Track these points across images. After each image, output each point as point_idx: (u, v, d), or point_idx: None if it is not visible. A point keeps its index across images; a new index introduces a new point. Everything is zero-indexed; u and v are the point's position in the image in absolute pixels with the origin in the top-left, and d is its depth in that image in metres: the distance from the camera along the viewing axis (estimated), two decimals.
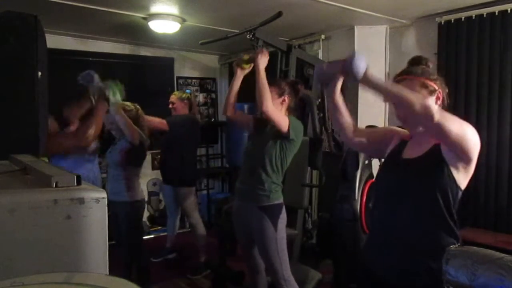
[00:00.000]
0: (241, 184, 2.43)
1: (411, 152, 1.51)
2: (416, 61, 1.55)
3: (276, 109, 2.28)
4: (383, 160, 1.67)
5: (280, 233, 2.34)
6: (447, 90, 1.53)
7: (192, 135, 3.72)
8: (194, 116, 3.83)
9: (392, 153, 1.59)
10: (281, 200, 2.38)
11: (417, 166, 1.45)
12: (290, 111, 2.43)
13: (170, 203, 4.00)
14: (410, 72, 1.52)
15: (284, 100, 2.37)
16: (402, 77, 1.52)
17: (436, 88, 1.47)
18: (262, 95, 2.20)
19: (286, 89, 2.39)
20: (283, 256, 2.36)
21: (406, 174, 1.47)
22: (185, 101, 3.70)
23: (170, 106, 3.71)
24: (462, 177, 1.40)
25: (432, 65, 1.55)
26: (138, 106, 2.98)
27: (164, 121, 3.54)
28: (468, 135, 1.33)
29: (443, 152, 1.38)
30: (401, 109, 1.48)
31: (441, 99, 1.49)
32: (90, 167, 3.09)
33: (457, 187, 1.40)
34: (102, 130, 2.49)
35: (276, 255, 2.32)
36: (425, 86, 1.47)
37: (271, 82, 2.36)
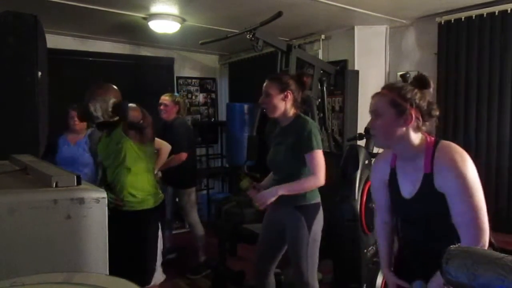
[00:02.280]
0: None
1: (406, 188, 1.49)
2: (416, 79, 1.47)
3: (318, 162, 2.16)
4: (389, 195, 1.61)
5: (313, 235, 2.24)
6: (435, 114, 1.44)
7: (186, 137, 3.71)
8: (183, 120, 3.84)
9: (392, 189, 1.56)
10: (318, 200, 2.28)
11: (419, 206, 1.45)
12: (297, 106, 2.30)
13: (167, 204, 3.99)
14: (388, 86, 1.48)
15: (286, 96, 2.21)
16: (381, 90, 1.49)
17: (407, 110, 1.38)
18: (306, 189, 2.19)
19: (290, 83, 2.24)
20: (312, 260, 2.27)
21: (416, 215, 1.49)
22: (177, 105, 3.68)
23: (162, 107, 3.61)
24: None
25: (432, 87, 1.46)
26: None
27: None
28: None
29: (435, 181, 1.38)
30: (381, 137, 1.46)
31: (411, 121, 1.39)
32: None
33: None
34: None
35: (305, 257, 2.24)
36: (394, 105, 1.40)
37: (273, 77, 2.27)
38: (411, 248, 1.60)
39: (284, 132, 2.29)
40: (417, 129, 1.42)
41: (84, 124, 3.37)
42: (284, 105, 2.23)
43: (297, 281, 2.33)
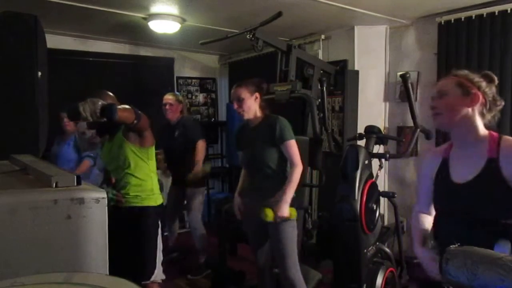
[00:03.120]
0: (257, 185, 2.51)
1: (459, 173, 1.42)
2: (483, 74, 1.48)
3: (295, 148, 2.42)
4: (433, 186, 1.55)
5: (295, 224, 2.47)
6: (501, 103, 1.48)
7: (199, 129, 3.72)
8: (189, 116, 3.88)
9: (440, 178, 1.50)
10: (294, 194, 2.51)
11: (473, 193, 1.37)
12: (263, 108, 2.51)
13: (172, 204, 3.98)
14: (455, 73, 1.48)
15: (256, 98, 2.46)
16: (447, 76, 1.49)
17: (473, 90, 1.40)
18: (297, 181, 2.42)
19: (256, 87, 2.48)
20: (295, 246, 2.46)
21: (465, 203, 1.39)
22: (181, 104, 3.71)
23: (167, 107, 3.64)
24: None
25: (496, 81, 1.49)
26: None
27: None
28: None
29: (503, 167, 1.31)
30: (445, 116, 1.42)
31: (479, 102, 1.41)
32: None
33: None
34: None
35: (291, 242, 2.42)
36: (460, 86, 1.41)
37: (240, 83, 2.48)
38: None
39: (257, 131, 2.48)
40: (482, 115, 1.42)
41: (74, 125, 3.48)
42: (255, 106, 2.47)
43: (282, 267, 2.46)
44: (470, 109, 1.40)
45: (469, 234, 1.36)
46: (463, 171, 1.41)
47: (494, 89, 1.46)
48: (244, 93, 2.43)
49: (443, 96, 1.43)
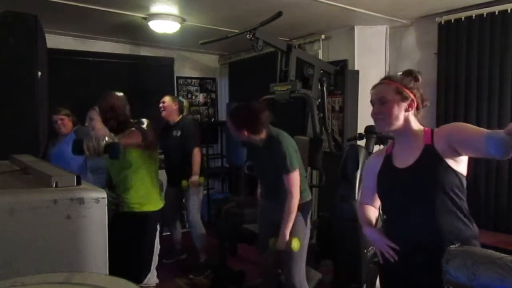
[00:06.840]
0: (269, 194, 2.50)
1: (402, 159, 1.58)
2: (405, 73, 1.63)
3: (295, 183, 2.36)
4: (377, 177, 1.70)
5: (308, 230, 2.44)
6: (427, 103, 1.63)
7: (192, 135, 3.73)
8: (190, 118, 3.89)
9: (384, 168, 1.65)
10: (310, 197, 2.51)
11: (417, 175, 1.53)
12: None
13: (170, 205, 3.96)
14: (389, 77, 1.63)
15: None
16: (381, 81, 1.63)
17: (411, 96, 1.56)
18: (293, 211, 2.34)
19: None
20: (304, 255, 2.43)
21: (409, 182, 1.54)
22: (176, 102, 3.76)
23: (160, 105, 3.71)
24: (462, 166, 1.50)
25: (421, 79, 1.62)
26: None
27: None
28: None
29: (438, 149, 1.48)
30: (386, 121, 1.57)
31: (414, 107, 1.57)
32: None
33: (460, 176, 1.48)
34: None
35: (300, 250, 2.37)
36: (399, 92, 1.56)
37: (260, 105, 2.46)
38: (404, 243, 1.57)
39: (264, 149, 2.42)
40: (415, 114, 1.60)
41: (70, 125, 3.43)
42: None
43: (287, 275, 2.43)
44: (407, 113, 1.57)
45: (423, 222, 1.51)
46: (404, 158, 1.58)
47: (421, 90, 1.62)
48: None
49: (384, 103, 1.56)
